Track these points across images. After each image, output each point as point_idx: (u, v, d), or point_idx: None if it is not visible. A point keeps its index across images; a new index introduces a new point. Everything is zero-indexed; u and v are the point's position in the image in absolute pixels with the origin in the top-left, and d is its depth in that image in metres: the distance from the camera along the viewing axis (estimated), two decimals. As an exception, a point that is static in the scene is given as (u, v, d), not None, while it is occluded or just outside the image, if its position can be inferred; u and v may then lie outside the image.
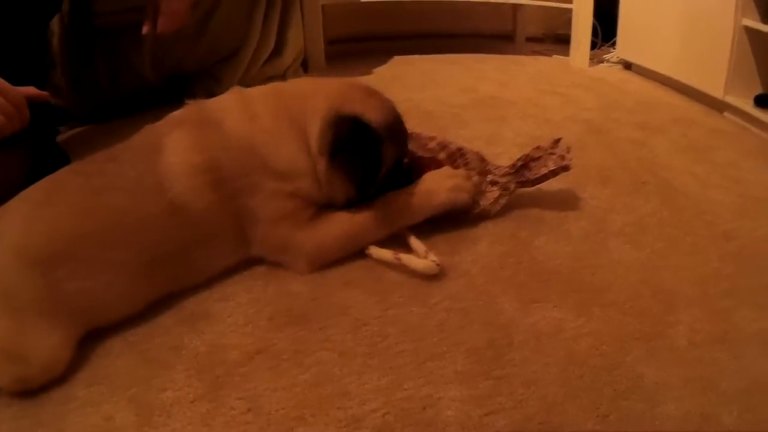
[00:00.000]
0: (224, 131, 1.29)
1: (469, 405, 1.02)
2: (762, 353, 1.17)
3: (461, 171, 1.48)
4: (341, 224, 1.35)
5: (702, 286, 1.35)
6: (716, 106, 2.55)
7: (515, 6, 3.72)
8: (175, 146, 1.24)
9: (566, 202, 1.67)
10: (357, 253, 1.38)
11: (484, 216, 1.53)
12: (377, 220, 1.37)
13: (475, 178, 1.50)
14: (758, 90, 2.38)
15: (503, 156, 1.84)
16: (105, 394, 1.04)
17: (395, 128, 1.40)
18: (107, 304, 1.16)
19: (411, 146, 1.56)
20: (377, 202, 1.38)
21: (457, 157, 1.56)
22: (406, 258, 1.32)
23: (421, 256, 1.34)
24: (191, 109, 1.34)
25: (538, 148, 1.55)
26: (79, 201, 1.18)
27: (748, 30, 2.30)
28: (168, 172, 1.21)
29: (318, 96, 1.36)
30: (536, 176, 1.53)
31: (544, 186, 1.66)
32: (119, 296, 1.17)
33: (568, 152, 1.53)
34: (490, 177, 1.55)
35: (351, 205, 1.38)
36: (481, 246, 1.45)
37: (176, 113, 1.34)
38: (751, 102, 2.34)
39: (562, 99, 2.60)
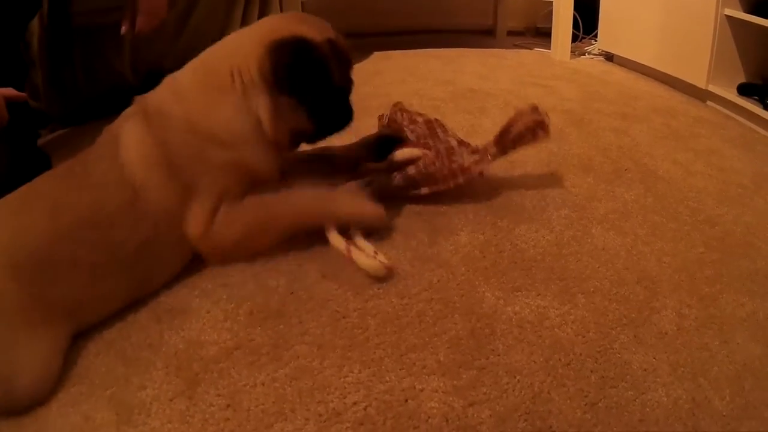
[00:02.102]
0: (165, 118, 1.27)
1: (452, 396, 1.00)
2: (751, 337, 1.16)
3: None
4: (255, 209, 1.29)
5: (687, 271, 1.34)
6: (699, 95, 2.56)
7: (496, 0, 3.71)
8: (128, 140, 1.24)
9: (547, 190, 1.66)
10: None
11: (465, 175, 1.47)
12: (293, 213, 1.33)
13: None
14: (741, 79, 2.39)
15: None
16: (84, 393, 1.02)
17: (338, 46, 1.34)
18: (89, 305, 1.14)
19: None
20: (297, 195, 1.34)
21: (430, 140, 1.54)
22: (356, 253, 1.29)
23: (369, 256, 1.31)
24: (138, 103, 1.32)
25: (516, 114, 1.52)
26: (52, 205, 1.17)
27: (730, 19, 2.31)
28: (126, 164, 1.21)
29: (247, 40, 1.32)
30: (514, 135, 1.49)
31: (525, 174, 1.66)
32: (99, 296, 1.15)
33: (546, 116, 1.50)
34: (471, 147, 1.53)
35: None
36: (461, 236, 1.43)
37: (128, 109, 1.32)
38: (734, 91, 2.35)
39: (543, 90, 2.59)
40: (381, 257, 1.29)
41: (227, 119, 1.27)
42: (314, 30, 1.30)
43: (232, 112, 1.27)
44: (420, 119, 1.57)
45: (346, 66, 1.39)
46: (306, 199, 1.34)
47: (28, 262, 1.08)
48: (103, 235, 1.16)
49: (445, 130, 1.56)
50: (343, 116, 1.40)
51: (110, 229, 1.17)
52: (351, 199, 1.37)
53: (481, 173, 1.48)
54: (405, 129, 1.57)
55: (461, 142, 1.53)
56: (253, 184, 1.30)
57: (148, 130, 1.24)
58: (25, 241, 1.10)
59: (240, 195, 1.28)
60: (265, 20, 1.40)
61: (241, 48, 1.29)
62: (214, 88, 1.28)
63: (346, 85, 1.40)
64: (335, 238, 1.33)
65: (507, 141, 1.50)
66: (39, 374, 1.02)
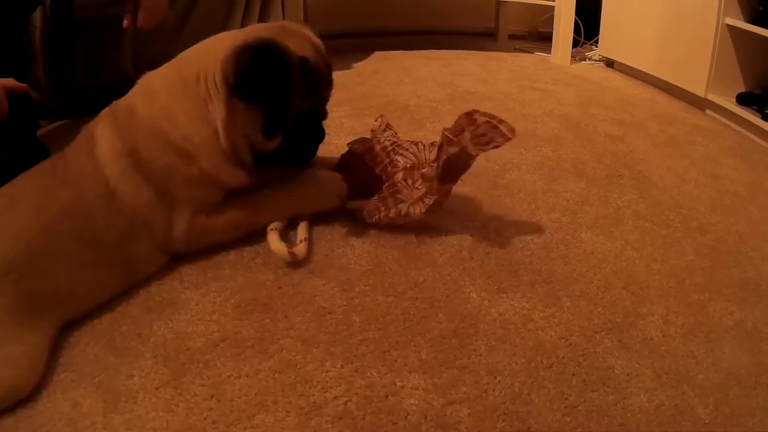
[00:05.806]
0: (135, 116, 1.27)
1: (432, 394, 1.00)
2: (738, 346, 1.16)
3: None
4: (232, 211, 1.32)
5: (676, 278, 1.34)
6: (698, 103, 2.56)
7: (498, 3, 3.72)
8: (101, 134, 1.26)
9: (539, 193, 1.66)
10: (322, 243, 1.37)
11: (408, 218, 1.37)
12: (267, 211, 1.35)
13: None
14: (740, 88, 2.40)
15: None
16: (73, 381, 1.03)
17: (314, 66, 1.28)
18: (75, 297, 1.15)
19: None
20: (271, 194, 1.36)
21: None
22: (270, 235, 1.30)
23: (297, 240, 1.32)
24: (115, 101, 1.34)
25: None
26: (37, 200, 1.19)
27: (731, 28, 2.31)
28: (99, 157, 1.23)
29: (221, 43, 1.26)
30: (441, 170, 1.30)
31: (517, 176, 1.67)
32: (86, 287, 1.16)
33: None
34: (424, 170, 1.39)
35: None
36: (450, 236, 1.42)
37: (105, 109, 1.33)
38: (733, 100, 2.35)
39: (541, 94, 2.58)
40: (302, 246, 1.30)
41: (185, 126, 1.25)
42: (293, 43, 1.25)
43: (190, 118, 1.25)
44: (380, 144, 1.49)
45: (317, 86, 1.33)
46: (279, 202, 1.36)
47: (15, 257, 1.09)
48: (84, 224, 1.17)
49: (391, 160, 1.45)
50: (305, 139, 1.36)
51: (89, 218, 1.18)
52: (313, 191, 1.40)
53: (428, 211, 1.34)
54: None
55: (411, 168, 1.42)
56: (224, 192, 1.31)
57: (116, 131, 1.25)
58: (12, 237, 1.12)
59: (215, 203, 1.30)
60: (251, 26, 1.39)
61: (213, 50, 1.25)
62: (180, 91, 1.27)
63: (313, 106, 1.34)
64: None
65: (438, 179, 1.32)
66: (25, 369, 1.02)
